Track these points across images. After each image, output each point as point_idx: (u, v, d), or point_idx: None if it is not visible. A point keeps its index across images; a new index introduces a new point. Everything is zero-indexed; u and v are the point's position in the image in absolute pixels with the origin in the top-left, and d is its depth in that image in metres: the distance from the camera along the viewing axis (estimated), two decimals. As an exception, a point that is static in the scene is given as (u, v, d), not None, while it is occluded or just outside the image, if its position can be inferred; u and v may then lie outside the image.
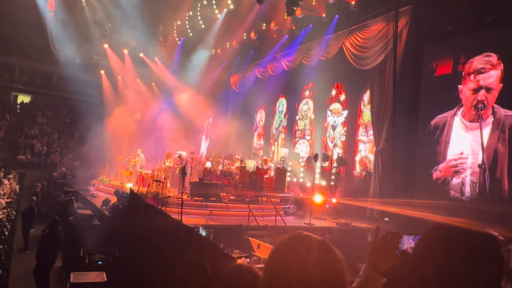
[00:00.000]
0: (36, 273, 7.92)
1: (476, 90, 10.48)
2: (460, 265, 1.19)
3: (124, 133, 19.22)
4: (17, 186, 16.97)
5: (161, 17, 20.21)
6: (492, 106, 10.12)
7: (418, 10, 11.61)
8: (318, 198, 11.80)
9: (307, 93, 17.88)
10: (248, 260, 6.76)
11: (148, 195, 10.95)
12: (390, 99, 12.18)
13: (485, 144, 10.15)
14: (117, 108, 21.26)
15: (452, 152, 11.05)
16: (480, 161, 10.22)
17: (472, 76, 10.59)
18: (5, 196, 13.51)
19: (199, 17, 18.61)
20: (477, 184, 10.27)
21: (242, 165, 14.65)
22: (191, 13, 18.80)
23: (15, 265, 8.87)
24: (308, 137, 17.33)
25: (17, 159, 22.47)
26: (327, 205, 12.59)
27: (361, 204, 12.13)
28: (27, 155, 23.14)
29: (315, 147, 16.45)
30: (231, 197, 12.55)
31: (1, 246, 9.24)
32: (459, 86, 10.91)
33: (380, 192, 12.26)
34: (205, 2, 17.62)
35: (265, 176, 13.90)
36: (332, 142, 15.75)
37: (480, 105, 10.34)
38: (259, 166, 14.50)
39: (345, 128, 15.28)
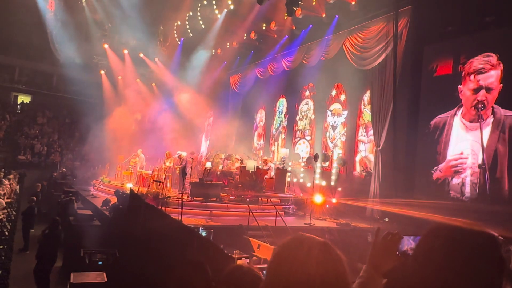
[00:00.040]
0: (36, 274, 7.92)
1: (476, 90, 10.49)
2: (461, 265, 1.19)
3: (124, 133, 19.23)
4: (17, 187, 16.97)
5: (161, 17, 20.19)
6: (492, 107, 10.12)
7: (418, 10, 11.61)
8: (318, 198, 11.80)
9: (307, 93, 17.88)
10: (248, 260, 6.75)
11: (148, 195, 10.95)
12: (390, 99, 12.18)
13: (485, 144, 10.15)
14: (117, 108, 21.29)
15: (452, 152, 11.06)
16: (480, 161, 10.23)
17: (472, 76, 10.59)
18: (5, 197, 13.50)
19: (199, 17, 18.61)
20: (477, 184, 10.27)
21: (242, 165, 14.64)
22: (191, 13, 18.79)
23: (15, 265, 8.86)
24: (308, 137, 17.34)
25: (17, 159, 22.49)
26: (327, 205, 12.58)
27: (361, 204, 12.13)
28: (27, 155, 23.15)
29: (315, 147, 16.45)
30: (231, 197, 12.54)
31: (1, 247, 9.23)
32: (459, 86, 10.91)
33: (380, 192, 12.26)
34: (205, 2, 17.62)
35: (265, 176, 13.90)
36: (332, 143, 15.75)
37: (480, 105, 10.34)
38: (259, 166, 14.50)
39: (345, 129, 15.28)
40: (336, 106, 15.85)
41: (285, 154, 16.69)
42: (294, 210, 13.30)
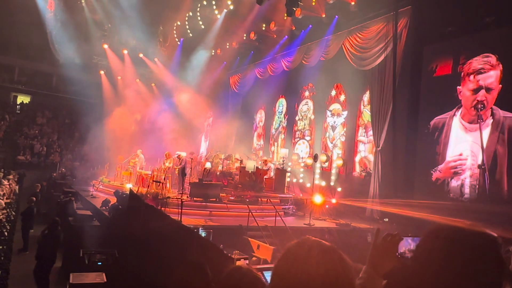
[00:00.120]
0: (35, 274, 7.92)
1: (476, 91, 10.49)
2: (461, 266, 1.18)
3: (123, 133, 19.21)
4: (17, 187, 16.97)
5: (160, 17, 20.19)
6: (491, 108, 10.13)
7: (418, 11, 11.62)
8: (318, 199, 11.79)
9: (306, 93, 17.89)
10: (247, 261, 6.75)
11: (148, 195, 10.94)
12: (390, 99, 12.19)
13: (484, 145, 10.15)
14: (117, 109, 21.26)
15: (451, 153, 11.06)
16: (479, 162, 10.23)
17: (471, 77, 10.59)
18: (5, 197, 13.49)
19: (199, 18, 18.61)
20: (477, 185, 10.27)
21: (242, 165, 14.64)
22: (191, 13, 18.80)
23: (15, 266, 8.86)
24: (308, 138, 17.34)
25: (17, 159, 22.48)
26: (326, 206, 12.58)
27: (361, 204, 12.13)
28: (26, 155, 23.14)
29: (315, 147, 16.46)
30: (230, 197, 12.54)
31: (0, 247, 9.22)
32: (458, 87, 10.92)
33: (380, 192, 12.26)
34: (204, 3, 17.63)
35: (265, 176, 13.90)
36: (332, 143, 15.75)
37: (480, 106, 10.35)
38: (259, 167, 14.50)
39: (344, 129, 15.28)
40: (335, 106, 15.86)
41: (284, 154, 16.68)
42: (294, 210, 13.29)
